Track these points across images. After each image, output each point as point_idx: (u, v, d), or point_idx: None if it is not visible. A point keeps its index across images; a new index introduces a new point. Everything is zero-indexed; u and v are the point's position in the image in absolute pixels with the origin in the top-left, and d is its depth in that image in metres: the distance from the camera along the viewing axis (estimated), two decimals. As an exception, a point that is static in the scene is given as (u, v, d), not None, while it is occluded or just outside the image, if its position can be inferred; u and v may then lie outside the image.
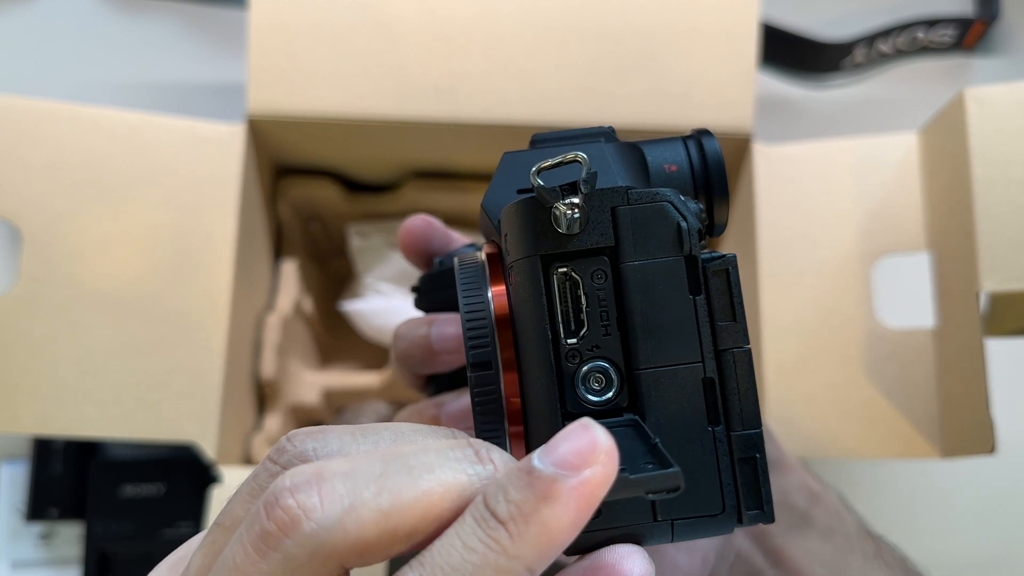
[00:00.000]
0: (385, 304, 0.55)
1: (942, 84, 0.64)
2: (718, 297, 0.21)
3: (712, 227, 0.25)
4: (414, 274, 0.34)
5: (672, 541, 0.21)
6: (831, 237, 0.47)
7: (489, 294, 0.23)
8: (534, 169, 0.21)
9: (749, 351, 0.21)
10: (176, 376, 0.45)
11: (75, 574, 0.54)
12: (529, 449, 0.22)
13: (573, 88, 0.48)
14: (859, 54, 0.63)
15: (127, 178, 0.46)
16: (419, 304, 0.32)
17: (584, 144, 0.24)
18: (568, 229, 0.21)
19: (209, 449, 0.44)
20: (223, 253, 0.46)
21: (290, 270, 0.55)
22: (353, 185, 0.57)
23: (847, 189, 0.48)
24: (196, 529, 0.53)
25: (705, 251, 0.22)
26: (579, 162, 0.21)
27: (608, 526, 0.21)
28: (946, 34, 0.63)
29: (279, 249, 0.56)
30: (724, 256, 0.21)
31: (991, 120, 0.42)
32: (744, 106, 0.48)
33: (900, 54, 0.65)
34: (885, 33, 0.63)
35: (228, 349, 0.45)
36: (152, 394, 0.44)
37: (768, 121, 0.57)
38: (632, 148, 0.24)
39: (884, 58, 0.65)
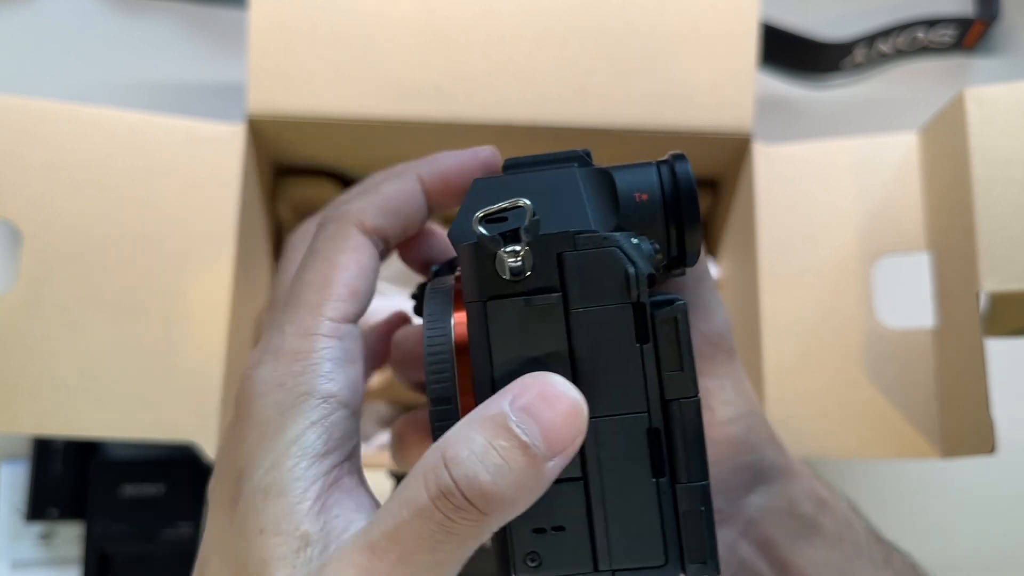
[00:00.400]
0: (385, 304, 0.54)
1: (942, 84, 0.64)
2: (666, 346, 0.21)
3: (684, 256, 0.24)
4: (414, 275, 0.34)
5: None
6: (831, 237, 0.47)
7: (451, 322, 0.23)
8: (476, 216, 0.21)
9: (697, 402, 0.21)
10: (176, 376, 0.45)
11: (75, 574, 0.54)
12: None
13: (573, 88, 0.48)
14: (859, 54, 0.63)
15: (127, 178, 0.46)
16: (418, 311, 0.32)
17: (556, 169, 0.24)
18: (512, 276, 0.21)
19: (209, 449, 0.44)
20: (223, 253, 0.46)
21: (290, 270, 0.55)
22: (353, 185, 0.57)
23: (847, 189, 0.48)
24: (196, 529, 0.53)
25: (660, 294, 0.21)
26: (522, 208, 0.21)
27: (541, 574, 0.21)
28: (946, 34, 0.63)
29: (279, 249, 0.56)
30: (674, 303, 0.21)
31: (991, 120, 0.42)
32: (744, 106, 0.48)
33: (900, 54, 0.65)
34: (885, 33, 0.63)
35: (228, 349, 0.45)
36: (152, 394, 0.44)
37: (768, 121, 0.57)
38: (603, 174, 0.24)
39: (884, 58, 0.65)
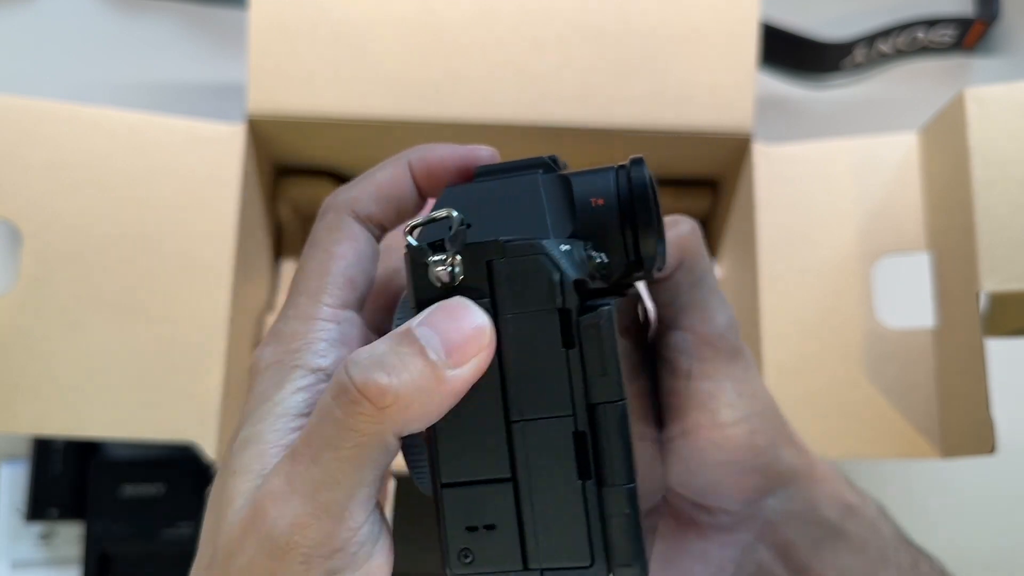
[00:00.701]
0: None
1: (942, 84, 0.64)
2: (591, 350, 0.21)
3: (641, 261, 0.24)
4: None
5: None
6: (831, 237, 0.47)
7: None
8: (405, 227, 0.22)
9: (623, 406, 0.21)
10: (176, 376, 0.45)
11: (75, 574, 0.54)
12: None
13: (573, 89, 0.48)
14: (859, 54, 0.63)
15: (127, 178, 0.46)
16: None
17: (521, 176, 0.24)
18: (443, 283, 0.22)
19: (209, 449, 0.44)
20: (223, 253, 0.46)
21: (290, 270, 0.55)
22: (353, 185, 0.57)
23: (847, 189, 0.48)
24: (196, 529, 0.53)
25: (597, 299, 0.22)
26: (449, 218, 0.21)
27: (473, 571, 0.22)
28: (946, 34, 0.63)
29: (279, 249, 0.57)
30: (599, 309, 0.21)
31: (991, 120, 0.42)
32: (744, 106, 0.48)
33: (900, 54, 0.65)
34: (885, 33, 0.63)
35: (228, 349, 0.45)
36: (152, 394, 0.44)
37: (768, 121, 0.57)
38: (563, 180, 0.24)
39: (884, 58, 0.65)
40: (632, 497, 0.21)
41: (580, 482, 0.21)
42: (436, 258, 0.21)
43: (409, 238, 0.22)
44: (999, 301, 0.44)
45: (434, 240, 0.22)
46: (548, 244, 0.21)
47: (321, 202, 0.26)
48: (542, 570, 0.21)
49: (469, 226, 0.22)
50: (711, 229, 0.57)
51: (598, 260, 0.23)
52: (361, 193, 0.26)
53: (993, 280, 0.41)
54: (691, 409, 0.29)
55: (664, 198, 0.62)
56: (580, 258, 0.22)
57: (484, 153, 0.26)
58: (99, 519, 0.53)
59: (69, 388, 0.44)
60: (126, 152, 0.46)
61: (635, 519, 0.21)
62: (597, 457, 0.21)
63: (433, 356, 0.21)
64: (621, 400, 0.21)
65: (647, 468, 0.26)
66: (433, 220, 0.22)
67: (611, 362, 0.21)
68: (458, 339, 0.21)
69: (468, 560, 0.22)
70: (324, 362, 0.23)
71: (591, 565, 0.21)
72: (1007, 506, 0.56)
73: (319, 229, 0.25)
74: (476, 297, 0.22)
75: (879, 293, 0.47)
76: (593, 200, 0.23)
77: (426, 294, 0.22)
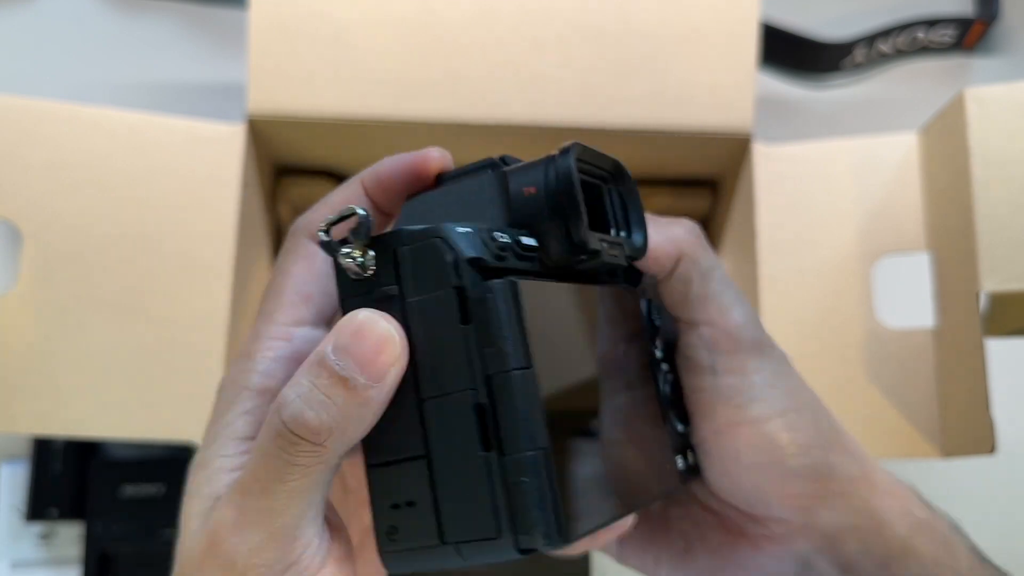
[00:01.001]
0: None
1: (942, 84, 0.64)
2: (482, 323, 0.22)
3: (573, 248, 0.24)
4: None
5: (466, 564, 0.22)
6: (831, 237, 0.47)
7: None
8: (321, 226, 0.23)
9: (517, 375, 0.21)
10: (176, 376, 0.45)
11: (75, 574, 0.54)
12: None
13: (573, 89, 0.48)
14: (859, 54, 0.63)
15: (127, 178, 0.46)
16: None
17: (473, 177, 0.26)
18: (356, 276, 0.23)
19: (209, 449, 0.44)
20: (223, 253, 0.46)
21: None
22: (353, 185, 0.57)
23: (847, 189, 0.48)
24: (196, 529, 0.53)
25: (506, 276, 0.22)
26: (355, 214, 0.23)
27: (398, 548, 0.23)
28: (946, 34, 0.63)
29: (279, 249, 0.56)
30: (490, 282, 0.22)
31: (991, 120, 0.42)
32: (744, 106, 0.48)
33: (900, 54, 0.65)
34: (885, 33, 0.63)
35: (228, 349, 0.45)
36: (152, 394, 0.44)
37: (768, 121, 0.57)
38: (502, 176, 0.25)
39: (884, 58, 0.65)
40: (531, 464, 0.21)
41: (483, 454, 0.22)
42: (345, 251, 0.23)
43: (321, 235, 0.23)
44: (999, 301, 0.44)
45: (343, 237, 0.23)
46: (446, 228, 0.22)
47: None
48: (456, 544, 0.22)
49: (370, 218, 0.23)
50: (711, 229, 0.57)
51: (525, 243, 0.24)
52: (317, 216, 0.27)
53: (993, 280, 0.41)
54: (718, 405, 0.29)
55: (664, 198, 0.62)
56: (484, 239, 0.23)
57: (434, 154, 0.27)
58: (99, 519, 0.53)
59: (69, 388, 0.44)
60: (126, 152, 0.46)
61: (536, 485, 0.21)
62: (497, 427, 0.22)
63: (354, 382, 0.22)
64: (519, 368, 0.21)
65: (631, 459, 0.26)
66: (342, 218, 0.23)
67: (498, 333, 0.22)
68: (371, 356, 0.22)
69: (394, 537, 0.23)
70: (271, 382, 0.25)
71: (498, 536, 0.21)
72: (1007, 506, 0.56)
73: (281, 253, 0.27)
74: (386, 284, 0.23)
75: (879, 293, 0.47)
76: (525, 190, 0.24)
77: (345, 287, 0.23)
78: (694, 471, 0.30)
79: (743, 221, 0.50)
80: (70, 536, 0.55)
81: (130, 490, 0.53)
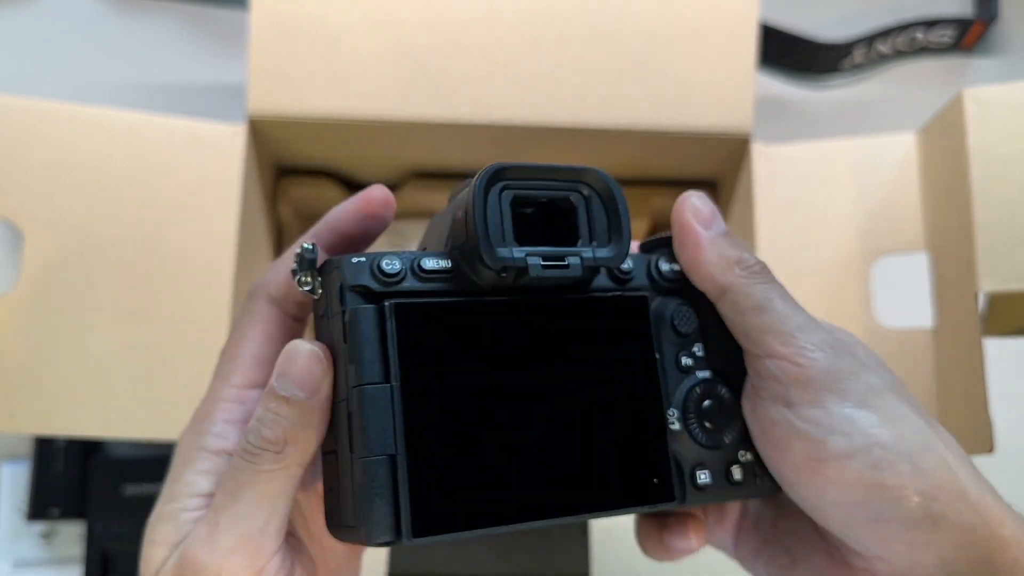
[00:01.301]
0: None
1: (941, 84, 0.64)
2: (351, 343, 0.25)
3: (486, 266, 0.25)
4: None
5: (369, 544, 0.25)
6: (831, 237, 0.47)
7: None
8: (296, 251, 0.26)
9: (368, 389, 0.24)
10: (177, 375, 0.45)
11: (77, 573, 0.54)
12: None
13: (573, 89, 0.48)
14: (858, 54, 0.63)
15: (127, 178, 0.46)
16: None
17: (458, 193, 0.28)
18: (316, 297, 0.26)
19: (210, 449, 0.44)
20: (224, 253, 0.46)
21: (290, 270, 0.55)
22: (353, 185, 0.57)
23: (846, 189, 0.48)
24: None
25: (398, 301, 0.25)
26: (304, 249, 0.26)
27: (332, 525, 0.26)
28: (945, 34, 0.64)
29: (280, 249, 0.57)
30: (353, 308, 0.25)
31: (990, 120, 0.43)
32: (744, 107, 0.48)
33: (899, 54, 0.65)
34: (884, 34, 0.63)
35: (229, 349, 0.46)
36: (153, 393, 0.44)
37: (768, 121, 0.57)
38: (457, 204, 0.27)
39: (883, 58, 0.65)
40: (373, 467, 0.24)
41: (350, 455, 0.25)
42: (297, 278, 0.26)
43: (293, 265, 0.26)
44: (998, 301, 0.44)
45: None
46: (345, 258, 0.25)
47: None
48: (347, 528, 0.25)
49: (314, 249, 0.26)
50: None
51: (427, 266, 0.26)
52: (274, 277, 0.28)
53: (992, 280, 0.41)
54: (793, 439, 0.26)
55: (663, 198, 0.62)
56: (372, 267, 0.25)
57: (376, 194, 0.29)
58: (100, 518, 0.53)
59: (70, 388, 0.44)
60: (126, 152, 0.46)
61: (374, 485, 0.24)
62: (352, 434, 0.25)
63: (294, 399, 0.25)
64: (371, 383, 0.24)
65: (560, 467, 0.26)
66: (295, 252, 0.26)
67: (361, 350, 0.25)
68: (304, 374, 0.25)
69: (330, 518, 0.26)
70: (225, 444, 0.27)
71: (356, 527, 0.24)
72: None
73: (239, 313, 0.29)
74: (322, 306, 0.26)
75: (878, 293, 0.47)
76: (457, 215, 0.26)
77: (314, 306, 0.27)
78: (764, 490, 0.29)
79: (742, 221, 0.50)
80: (71, 535, 0.55)
81: (131, 489, 0.53)
